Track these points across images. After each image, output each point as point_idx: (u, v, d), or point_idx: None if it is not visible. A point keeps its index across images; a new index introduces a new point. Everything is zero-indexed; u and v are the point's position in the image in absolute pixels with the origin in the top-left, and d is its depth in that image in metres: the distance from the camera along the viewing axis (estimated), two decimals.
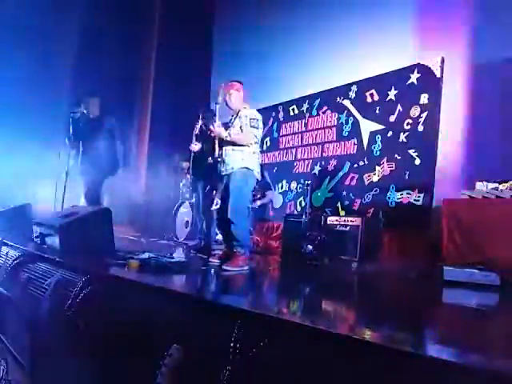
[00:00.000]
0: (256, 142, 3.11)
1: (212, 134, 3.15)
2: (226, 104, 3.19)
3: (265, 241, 5.26)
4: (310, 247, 3.83)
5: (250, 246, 3.36)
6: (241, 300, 2.02)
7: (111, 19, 7.08)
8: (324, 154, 5.27)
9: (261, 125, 3.14)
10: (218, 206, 3.53)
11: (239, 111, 3.15)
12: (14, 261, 2.92)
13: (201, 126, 4.27)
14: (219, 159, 3.12)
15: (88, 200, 4.49)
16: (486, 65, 3.83)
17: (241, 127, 3.07)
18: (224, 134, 3.05)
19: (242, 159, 3.03)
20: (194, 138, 4.33)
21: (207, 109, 4.51)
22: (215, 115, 3.27)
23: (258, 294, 2.39)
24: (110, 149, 4.47)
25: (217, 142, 3.14)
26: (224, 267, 2.84)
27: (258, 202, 5.37)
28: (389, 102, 4.53)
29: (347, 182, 4.86)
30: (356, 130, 4.87)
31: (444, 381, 0.97)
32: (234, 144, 3.04)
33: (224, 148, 3.09)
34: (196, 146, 4.03)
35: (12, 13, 6.23)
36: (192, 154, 4.22)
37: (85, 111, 4.49)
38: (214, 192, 4.27)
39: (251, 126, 3.03)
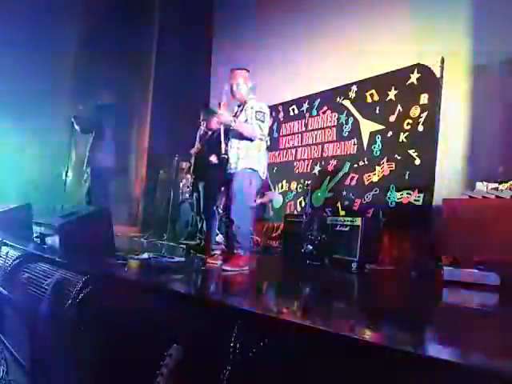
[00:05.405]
0: (261, 139, 2.94)
1: (216, 120, 2.92)
2: (232, 94, 3.00)
3: (265, 241, 5.27)
4: (310, 247, 3.83)
5: (251, 247, 3.34)
6: (241, 300, 2.01)
7: (110, 19, 7.09)
8: (324, 154, 5.27)
9: (267, 119, 2.95)
10: (222, 207, 3.45)
11: (245, 103, 2.99)
12: (13, 261, 2.92)
13: (203, 129, 4.30)
14: (224, 156, 2.94)
15: (90, 199, 4.50)
16: (486, 65, 3.83)
17: (246, 120, 2.90)
18: (229, 118, 2.84)
19: (247, 159, 2.89)
20: (197, 139, 4.34)
21: (207, 108, 4.53)
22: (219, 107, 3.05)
23: (258, 294, 2.38)
24: (109, 148, 4.51)
25: (222, 135, 2.94)
26: (224, 267, 2.83)
27: (258, 201, 5.37)
28: (389, 102, 4.53)
29: (347, 182, 4.86)
30: (356, 130, 4.87)
31: (444, 381, 0.97)
32: (240, 137, 2.87)
33: (229, 144, 2.93)
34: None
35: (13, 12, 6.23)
36: (194, 154, 4.23)
37: (87, 109, 4.54)
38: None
39: (257, 119, 2.85)
